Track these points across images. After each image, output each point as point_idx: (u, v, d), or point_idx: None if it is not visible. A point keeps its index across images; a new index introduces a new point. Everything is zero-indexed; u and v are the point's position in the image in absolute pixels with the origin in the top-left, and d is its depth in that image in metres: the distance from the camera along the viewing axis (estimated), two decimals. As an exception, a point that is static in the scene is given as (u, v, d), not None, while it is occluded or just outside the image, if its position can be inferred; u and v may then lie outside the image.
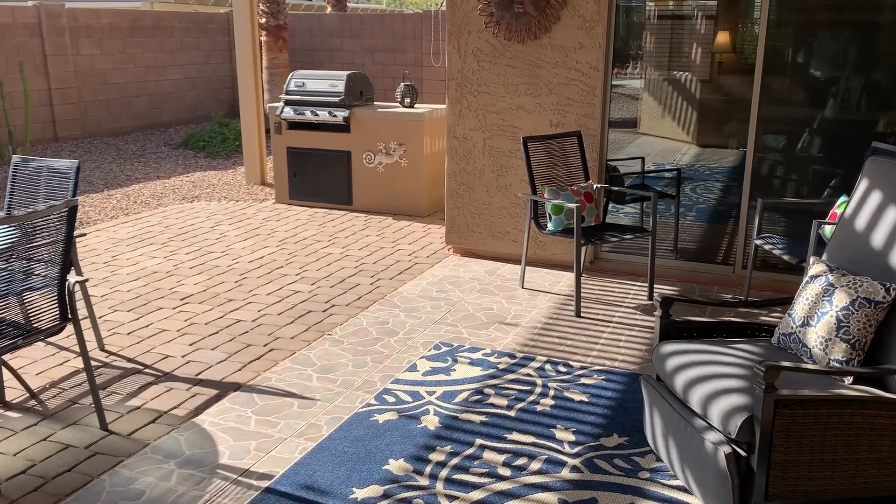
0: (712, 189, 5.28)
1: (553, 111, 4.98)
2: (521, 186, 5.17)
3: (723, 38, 5.02)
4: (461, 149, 5.28)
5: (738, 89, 4.90)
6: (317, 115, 6.80)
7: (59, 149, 10.10)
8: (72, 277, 2.99)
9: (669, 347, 2.72)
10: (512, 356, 3.76)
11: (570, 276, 5.06)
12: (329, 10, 15.04)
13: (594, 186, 4.66)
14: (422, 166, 6.60)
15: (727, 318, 3.66)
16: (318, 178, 7.00)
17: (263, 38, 10.93)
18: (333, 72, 6.95)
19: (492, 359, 3.72)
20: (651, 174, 5.37)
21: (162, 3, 16.63)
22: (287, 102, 6.97)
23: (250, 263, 5.39)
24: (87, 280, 3.35)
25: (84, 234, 3.80)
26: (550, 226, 4.53)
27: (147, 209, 7.09)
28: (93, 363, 3.73)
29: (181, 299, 4.66)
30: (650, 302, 4.56)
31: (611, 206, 5.45)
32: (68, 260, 2.90)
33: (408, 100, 6.77)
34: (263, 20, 10.86)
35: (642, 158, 5.42)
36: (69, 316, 2.99)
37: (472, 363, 3.67)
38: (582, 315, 4.35)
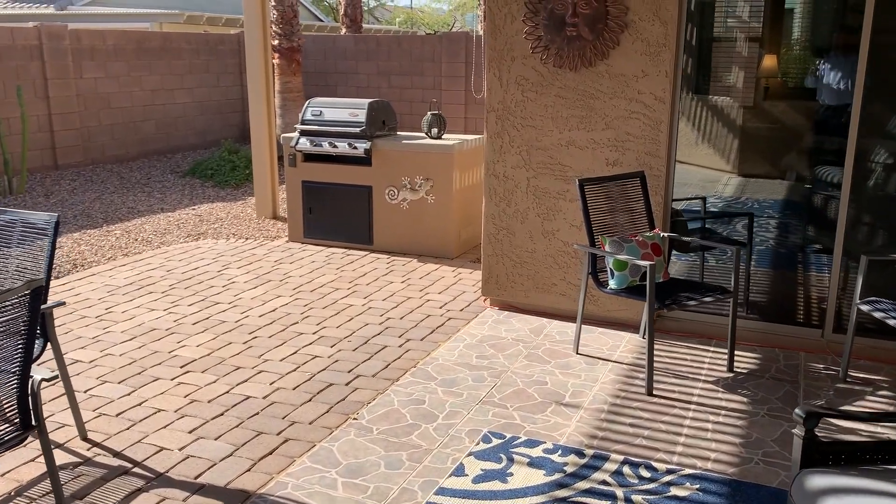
0: (788, 234, 4.62)
1: (609, 148, 4.34)
2: (571, 232, 4.52)
3: (770, 61, 4.39)
4: (501, 189, 4.65)
5: (810, 116, 4.25)
6: (335, 146, 6.19)
7: (59, 177, 9.53)
8: (37, 374, 2.35)
9: (819, 482, 2.05)
10: (580, 453, 3.08)
11: (630, 338, 4.38)
12: (344, 31, 14.54)
13: (661, 236, 4.01)
14: (450, 203, 5.97)
15: (890, 437, 3.00)
16: (336, 215, 6.37)
17: (276, 61, 10.38)
18: (353, 100, 6.34)
19: (556, 457, 3.05)
20: (715, 217, 4.71)
21: (172, 23, 16.19)
22: (303, 133, 6.37)
23: (261, 318, 4.75)
24: (55, 377, 2.70)
25: (62, 304, 3.16)
26: (612, 283, 3.88)
27: (149, 248, 6.47)
28: (72, 459, 3.08)
29: (181, 367, 4.01)
30: (731, 374, 3.88)
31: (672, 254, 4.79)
32: (31, 353, 2.26)
33: (435, 130, 6.15)
34: (276, 42, 10.32)
35: (703, 198, 4.76)
36: (33, 423, 2.35)
37: (532, 463, 3.00)
38: (654, 393, 3.67)
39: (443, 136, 6.21)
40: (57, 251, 6.33)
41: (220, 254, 6.25)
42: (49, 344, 3.03)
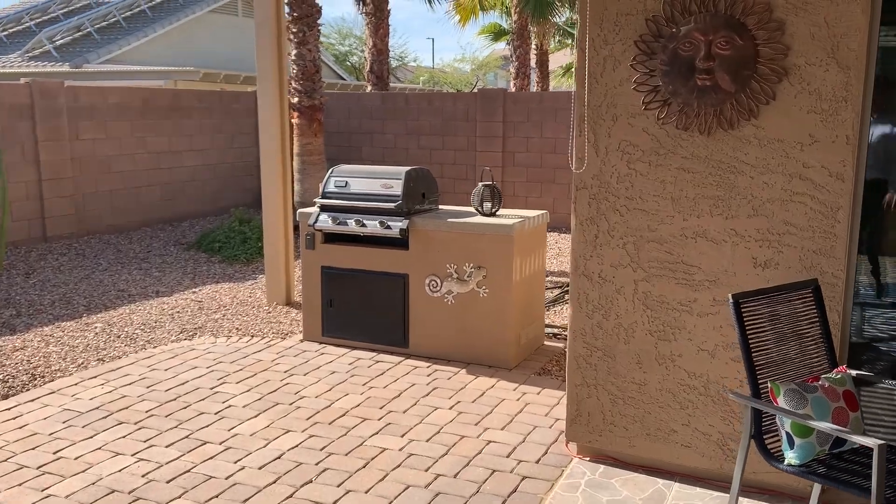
0: None
1: (759, 243, 3.05)
2: (700, 359, 3.21)
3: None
4: (596, 295, 3.36)
5: None
6: (364, 225, 4.96)
7: (48, 250, 8.40)
8: None
9: None
10: None
11: (790, 516, 3.01)
12: (369, 88, 13.57)
13: (851, 376, 2.68)
14: (508, 298, 4.68)
15: None
16: (364, 309, 5.10)
17: (295, 121, 9.31)
18: (386, 168, 5.14)
19: None
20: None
21: (187, 81, 15.36)
22: (324, 208, 5.15)
23: (262, 471, 3.43)
24: None
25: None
26: (792, 457, 2.54)
27: (131, 350, 5.22)
28: None
29: (138, 571, 2.69)
30: None
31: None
32: None
33: (488, 205, 4.91)
34: (296, 100, 9.27)
35: None
36: None
37: None
38: None
39: (497, 213, 4.97)
40: (17, 354, 5.09)
41: (218, 359, 4.97)
42: None
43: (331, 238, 5.22)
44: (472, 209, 5.15)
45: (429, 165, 11.54)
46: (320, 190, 5.19)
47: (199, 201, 10.77)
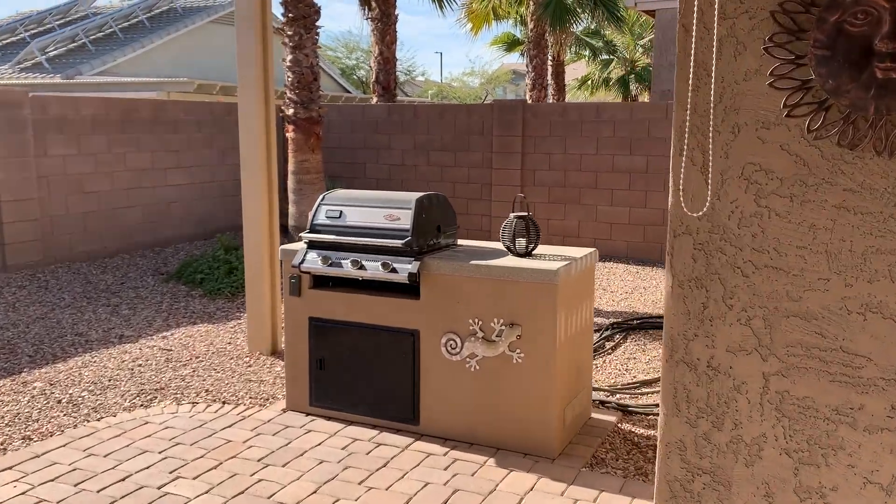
0: None
1: (973, 324, 1.95)
2: (867, 497, 2.10)
3: None
4: (702, 393, 2.26)
5: None
6: (363, 267, 3.88)
7: (5, 282, 7.34)
8: None
9: None
10: None
11: None
12: (375, 100, 12.54)
13: None
14: (551, 364, 3.58)
15: None
16: (362, 373, 4.01)
17: (290, 135, 8.27)
18: (391, 194, 4.05)
19: None
20: None
21: (181, 92, 14.39)
22: (313, 245, 4.07)
23: None
24: None
25: None
26: None
27: (70, 422, 4.14)
28: None
29: None
30: None
31: None
32: None
33: (522, 242, 3.82)
34: (291, 111, 8.22)
35: None
36: None
37: None
38: None
39: (534, 252, 3.88)
40: (-77, 429, 4.02)
41: (176, 439, 3.88)
42: None
43: (321, 282, 4.14)
44: (499, 246, 4.06)
45: (440, 184, 10.48)
46: (308, 221, 4.11)
47: (185, 224, 9.72)
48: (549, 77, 16.37)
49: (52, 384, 4.75)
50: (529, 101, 15.21)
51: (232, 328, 6.12)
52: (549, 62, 16.73)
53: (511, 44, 19.35)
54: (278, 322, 5.45)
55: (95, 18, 20.19)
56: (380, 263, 3.84)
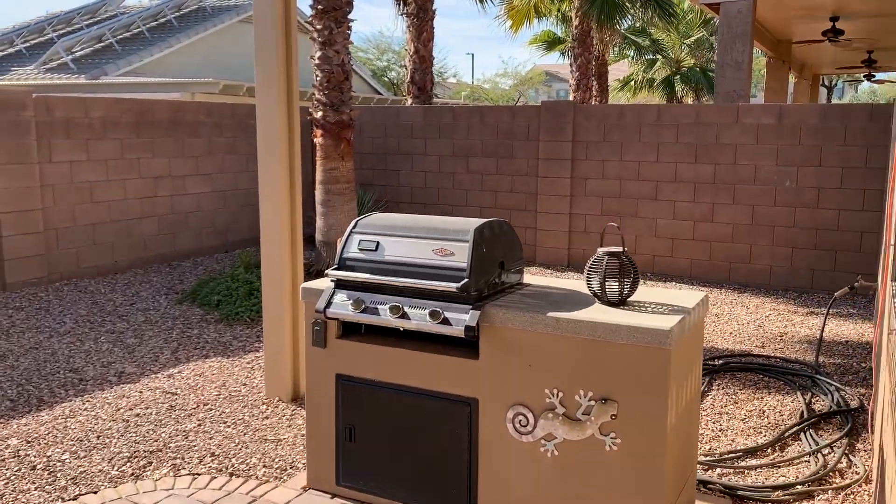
0: None
1: None
2: None
3: None
4: None
5: None
6: (405, 316, 3.01)
7: (3, 303, 6.62)
8: None
9: None
10: None
11: None
12: (409, 102, 11.70)
13: None
14: (657, 454, 2.67)
15: None
16: (402, 449, 3.13)
17: (319, 140, 7.45)
18: (442, 221, 3.17)
19: None
20: None
21: (206, 94, 13.70)
22: (342, 285, 3.20)
23: None
24: None
25: None
26: None
27: (40, 501, 3.32)
28: None
29: None
30: None
31: None
32: None
33: (615, 287, 2.91)
34: (319, 114, 7.41)
35: None
36: None
37: None
38: None
39: (630, 300, 2.97)
40: None
41: (165, 533, 3.05)
42: None
43: (351, 329, 3.28)
44: (579, 285, 3.17)
45: (479, 193, 9.59)
46: (337, 255, 3.25)
47: (204, 236, 8.96)
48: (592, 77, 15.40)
49: (29, 441, 3.95)
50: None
51: (248, 364, 5.30)
52: (593, 62, 15.76)
53: (551, 43, 18.39)
54: (301, 362, 4.61)
55: (123, 18, 19.68)
56: (427, 312, 2.96)
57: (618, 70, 25.29)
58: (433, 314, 2.95)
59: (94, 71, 16.87)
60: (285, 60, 4.41)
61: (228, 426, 4.19)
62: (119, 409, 4.41)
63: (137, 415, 4.34)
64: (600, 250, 2.95)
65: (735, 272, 8.24)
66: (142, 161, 8.14)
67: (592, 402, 2.75)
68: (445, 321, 2.93)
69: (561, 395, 2.81)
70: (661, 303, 2.95)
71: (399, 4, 11.65)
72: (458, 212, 9.76)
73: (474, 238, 2.98)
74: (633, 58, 21.02)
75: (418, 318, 2.98)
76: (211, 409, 4.43)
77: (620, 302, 2.92)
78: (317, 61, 7.38)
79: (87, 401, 4.54)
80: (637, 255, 8.67)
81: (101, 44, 18.83)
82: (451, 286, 2.91)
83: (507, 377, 2.90)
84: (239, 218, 9.40)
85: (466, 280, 2.90)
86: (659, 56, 21.48)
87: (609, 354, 2.71)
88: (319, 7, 7.24)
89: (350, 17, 7.44)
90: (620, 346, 2.69)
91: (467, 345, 3.01)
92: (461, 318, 2.90)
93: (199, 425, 4.20)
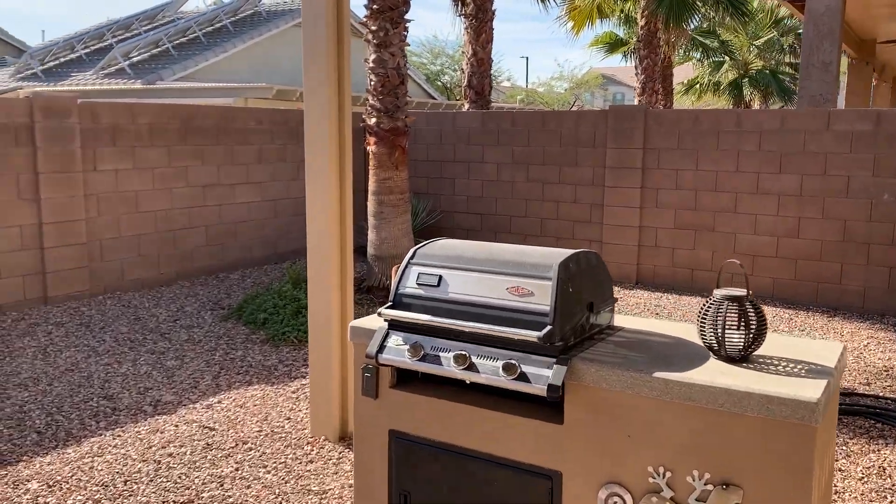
0: None
1: None
2: None
3: None
4: None
5: None
6: (473, 367, 2.48)
7: (43, 318, 6.35)
8: None
9: None
10: None
11: None
12: (466, 106, 11.20)
13: None
14: (791, 555, 2.09)
15: None
16: (468, 525, 2.61)
17: (372, 149, 7.01)
18: (519, 251, 2.64)
19: None
20: None
21: (258, 98, 13.47)
22: (396, 326, 2.70)
23: None
24: None
25: None
26: None
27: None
28: None
29: None
30: None
31: None
32: None
33: (737, 339, 2.33)
34: (373, 120, 6.97)
35: None
36: None
37: None
38: None
39: (753, 355, 2.39)
40: None
41: None
42: None
43: (408, 376, 2.78)
44: (686, 332, 2.60)
45: (540, 203, 9.03)
46: (392, 290, 2.75)
47: (254, 246, 8.62)
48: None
49: (50, 486, 3.57)
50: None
51: (293, 393, 4.86)
52: (659, 64, 15.01)
53: (613, 45, 17.68)
54: (349, 396, 4.14)
55: (179, 23, 19.73)
56: (501, 364, 2.44)
57: (679, 73, 24.34)
58: (507, 368, 2.42)
59: (150, 76, 16.87)
60: (336, 64, 3.96)
61: (269, 471, 3.74)
62: (151, 447, 4.00)
63: (170, 454, 3.92)
64: (717, 292, 2.38)
65: (823, 293, 7.48)
66: (189, 169, 7.84)
67: (709, 487, 2.19)
68: (523, 377, 2.40)
69: (669, 474, 2.25)
70: (793, 359, 2.36)
71: (457, 5, 11.18)
72: (517, 222, 9.21)
73: (558, 275, 2.44)
74: (699, 59, 20.12)
75: (489, 370, 2.46)
76: (250, 450, 4.00)
77: (743, 358, 2.34)
78: (371, 64, 6.94)
79: (118, 435, 4.15)
80: (713, 272, 7.99)
81: (158, 49, 18.90)
82: (531, 334, 2.37)
83: (599, 448, 2.36)
84: (290, 227, 9.04)
85: (550, 328, 2.36)
86: (726, 58, 20.51)
87: (733, 428, 2.14)
88: (374, 7, 6.80)
89: (406, 17, 6.99)
90: (749, 418, 2.12)
91: (549, 405, 2.48)
92: (542, 374, 2.37)
93: (237, 469, 3.76)
